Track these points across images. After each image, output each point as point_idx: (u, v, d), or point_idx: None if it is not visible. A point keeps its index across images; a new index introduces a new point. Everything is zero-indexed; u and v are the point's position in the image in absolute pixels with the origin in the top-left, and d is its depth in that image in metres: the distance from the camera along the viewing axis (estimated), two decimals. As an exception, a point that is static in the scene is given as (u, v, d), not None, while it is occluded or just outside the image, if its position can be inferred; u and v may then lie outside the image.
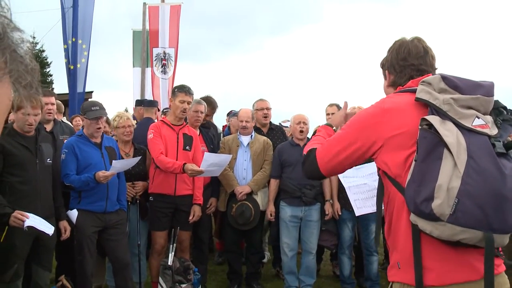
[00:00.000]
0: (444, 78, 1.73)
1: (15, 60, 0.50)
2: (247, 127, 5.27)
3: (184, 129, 4.76)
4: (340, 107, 5.71)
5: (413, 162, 1.66)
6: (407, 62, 1.97)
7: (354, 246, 5.50)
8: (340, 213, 5.12)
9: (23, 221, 3.40)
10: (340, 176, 4.35)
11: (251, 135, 5.34)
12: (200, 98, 5.34)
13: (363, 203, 4.53)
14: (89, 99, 4.50)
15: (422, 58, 1.97)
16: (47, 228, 3.59)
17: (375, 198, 3.59)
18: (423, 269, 1.69)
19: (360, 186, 4.54)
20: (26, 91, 0.53)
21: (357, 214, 4.64)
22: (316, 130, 2.54)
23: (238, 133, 5.36)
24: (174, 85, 5.17)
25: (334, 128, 2.39)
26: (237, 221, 5.09)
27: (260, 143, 5.32)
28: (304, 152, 2.13)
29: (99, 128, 4.26)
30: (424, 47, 1.98)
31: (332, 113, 5.79)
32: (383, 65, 2.10)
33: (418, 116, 1.72)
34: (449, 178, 1.55)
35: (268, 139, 5.47)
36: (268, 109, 5.78)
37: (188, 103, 4.70)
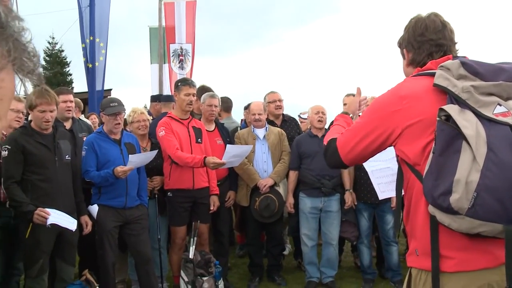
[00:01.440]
0: (464, 63, 1.66)
1: (17, 48, 0.51)
2: (260, 120, 5.27)
3: (192, 122, 4.78)
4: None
5: (431, 154, 1.62)
6: (425, 37, 1.90)
7: (375, 236, 5.47)
8: (355, 203, 5.10)
9: (46, 218, 3.48)
10: None
11: (266, 128, 5.34)
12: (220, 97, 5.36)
13: (386, 186, 4.46)
14: (108, 96, 4.54)
15: (441, 32, 1.90)
16: (70, 223, 3.66)
17: None
18: (440, 257, 1.68)
19: (383, 170, 4.47)
20: (29, 78, 0.54)
21: (380, 197, 4.57)
22: (333, 120, 2.52)
23: (252, 127, 5.36)
24: (176, 80, 5.18)
25: (351, 115, 2.37)
26: (262, 214, 5.09)
27: (275, 134, 5.32)
28: (325, 142, 2.11)
29: (118, 123, 4.30)
30: (441, 21, 1.91)
31: (345, 104, 5.79)
32: (400, 44, 2.04)
33: (436, 103, 1.67)
34: (467, 172, 1.51)
35: (282, 130, 5.46)
36: (280, 100, 5.76)
37: (193, 95, 4.72)
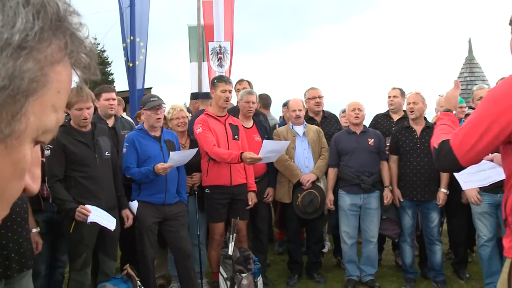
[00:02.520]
0: None
1: (74, 42, 0.52)
2: (300, 116, 5.24)
3: (229, 119, 4.80)
4: (403, 92, 5.60)
5: None
6: None
7: (417, 235, 5.35)
8: (401, 200, 4.99)
9: (87, 216, 3.57)
10: None
11: (304, 124, 5.31)
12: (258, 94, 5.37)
13: (469, 177, 4.30)
14: (147, 94, 4.61)
15: None
16: (109, 222, 3.73)
17: (481, 173, 3.37)
18: None
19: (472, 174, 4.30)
20: (85, 73, 0.55)
21: (464, 188, 4.32)
22: (436, 119, 2.35)
23: (290, 124, 5.32)
24: (213, 77, 5.19)
25: (454, 112, 2.25)
26: (306, 210, 5.06)
27: (313, 131, 5.28)
28: (434, 145, 2.00)
29: (159, 118, 4.34)
30: None
31: (394, 96, 5.66)
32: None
33: None
34: None
35: (319, 127, 5.42)
36: (320, 97, 5.71)
37: (230, 91, 4.73)
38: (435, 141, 1.98)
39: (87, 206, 3.62)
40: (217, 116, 4.73)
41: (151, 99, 4.34)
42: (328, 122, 5.79)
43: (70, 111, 3.79)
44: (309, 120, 5.66)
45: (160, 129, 4.46)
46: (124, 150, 4.30)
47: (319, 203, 5.06)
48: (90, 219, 3.60)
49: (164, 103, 4.49)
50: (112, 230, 3.91)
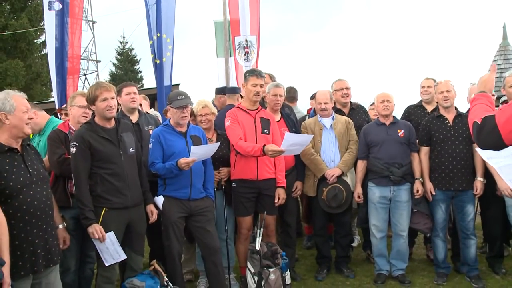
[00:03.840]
0: None
1: None
2: (326, 109, 5.15)
3: (261, 112, 4.75)
4: (436, 81, 5.46)
5: None
6: None
7: (449, 228, 5.21)
8: (433, 193, 4.86)
9: (97, 238, 3.63)
10: (485, 157, 3.86)
11: (332, 116, 5.22)
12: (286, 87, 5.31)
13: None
14: (175, 90, 4.59)
15: None
16: (111, 257, 3.73)
17: None
18: None
19: (510, 166, 4.11)
20: None
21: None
22: (472, 100, 2.33)
23: (318, 116, 5.25)
24: (245, 71, 5.15)
25: (490, 94, 2.23)
26: (330, 205, 5.00)
27: (342, 123, 5.19)
28: (476, 120, 1.97)
29: (185, 116, 4.34)
30: None
31: (428, 86, 5.54)
32: None
33: None
34: None
35: (349, 118, 5.32)
36: (348, 88, 5.61)
37: (261, 85, 4.68)
38: (476, 117, 1.94)
39: (106, 234, 3.66)
40: (248, 110, 4.70)
41: (178, 97, 4.32)
42: (356, 113, 5.69)
43: (95, 106, 3.82)
44: (337, 111, 5.57)
45: (187, 125, 4.45)
46: (150, 145, 4.31)
47: (345, 198, 4.98)
48: (96, 243, 3.65)
49: (191, 102, 4.48)
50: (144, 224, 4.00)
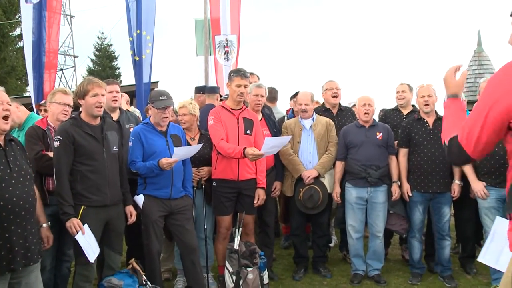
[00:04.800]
0: None
1: None
2: (306, 110, 5.20)
3: (244, 113, 4.76)
4: (411, 87, 5.56)
5: None
6: None
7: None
8: (410, 195, 4.96)
9: (77, 232, 3.58)
10: (492, 264, 3.73)
11: (313, 118, 5.27)
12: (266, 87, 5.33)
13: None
14: (156, 89, 4.55)
15: None
16: (92, 252, 3.70)
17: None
18: None
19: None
20: None
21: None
22: (443, 106, 2.27)
23: (299, 117, 5.29)
24: (230, 70, 5.15)
25: (459, 97, 2.16)
26: (306, 205, 5.05)
27: (322, 124, 5.24)
28: (443, 139, 1.98)
29: (166, 117, 4.33)
30: None
31: (403, 91, 5.63)
32: None
33: None
34: None
35: (330, 120, 5.37)
36: (338, 89, 5.65)
37: (245, 86, 4.69)
38: (445, 137, 1.96)
39: (84, 226, 3.63)
40: (231, 109, 4.71)
41: (161, 98, 4.30)
42: (344, 115, 5.74)
43: (84, 100, 3.80)
44: (325, 111, 5.65)
45: (167, 124, 4.44)
46: (130, 144, 4.29)
47: (321, 199, 5.04)
48: (79, 239, 3.61)
49: (173, 103, 4.46)
50: (122, 225, 4.01)
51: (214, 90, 6.28)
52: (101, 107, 3.82)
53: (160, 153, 4.23)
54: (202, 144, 4.55)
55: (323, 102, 5.87)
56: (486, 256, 3.51)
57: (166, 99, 4.31)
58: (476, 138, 1.78)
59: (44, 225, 3.42)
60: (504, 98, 1.68)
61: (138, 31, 9.75)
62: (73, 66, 38.54)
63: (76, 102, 3.97)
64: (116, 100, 4.76)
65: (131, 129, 4.67)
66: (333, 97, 5.63)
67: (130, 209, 4.16)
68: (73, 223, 3.59)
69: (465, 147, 1.83)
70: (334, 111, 5.70)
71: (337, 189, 5.14)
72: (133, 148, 4.27)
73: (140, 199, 4.26)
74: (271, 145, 4.35)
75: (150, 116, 4.45)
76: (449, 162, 1.99)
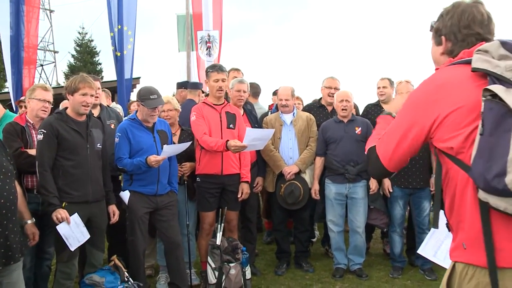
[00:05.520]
0: (504, 43, 1.58)
1: None
2: (287, 105, 5.22)
3: (226, 107, 4.76)
4: (392, 81, 5.59)
5: (478, 137, 1.53)
6: (472, 31, 1.78)
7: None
8: (391, 191, 5.01)
9: (61, 222, 3.57)
10: (430, 256, 3.83)
11: (293, 113, 5.29)
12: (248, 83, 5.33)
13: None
14: (145, 86, 4.48)
15: (487, 26, 1.78)
16: (76, 240, 3.69)
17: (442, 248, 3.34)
18: (494, 249, 1.57)
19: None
20: None
21: (434, 228, 4.10)
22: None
23: (280, 112, 5.31)
24: (207, 67, 5.15)
25: (393, 115, 2.20)
26: (287, 201, 5.08)
27: (303, 119, 5.26)
28: (366, 151, 2.01)
29: (155, 115, 4.31)
30: (487, 13, 1.79)
31: (384, 86, 5.65)
32: (438, 30, 1.89)
33: (476, 89, 1.58)
34: None
35: (311, 115, 5.39)
36: (337, 88, 5.64)
37: (223, 80, 4.69)
38: (366, 147, 2.00)
39: (70, 217, 3.61)
40: (213, 105, 4.70)
41: (151, 97, 4.23)
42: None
43: (72, 97, 3.78)
44: (320, 107, 5.68)
45: None
46: (117, 140, 4.26)
47: (302, 195, 5.07)
48: (60, 229, 3.59)
49: (163, 102, 4.42)
50: (102, 220, 3.99)
51: (196, 86, 6.26)
52: (87, 107, 3.82)
53: (147, 149, 4.21)
54: (190, 142, 4.54)
55: (320, 98, 5.88)
56: (426, 249, 3.71)
57: (156, 99, 4.26)
58: (392, 151, 1.82)
59: (29, 221, 3.39)
60: (422, 120, 1.72)
61: (119, 27, 9.66)
62: (53, 62, 38.07)
63: (64, 95, 3.93)
64: (97, 97, 4.72)
65: (112, 126, 4.64)
66: (330, 96, 5.64)
67: (113, 208, 4.14)
68: (60, 213, 3.57)
69: (381, 158, 1.86)
70: (329, 108, 5.71)
71: (316, 186, 5.17)
72: (119, 144, 4.23)
73: (126, 195, 4.25)
74: (252, 136, 4.35)
75: (136, 111, 4.41)
76: (369, 172, 2.03)
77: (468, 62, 1.64)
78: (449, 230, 1.84)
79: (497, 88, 1.49)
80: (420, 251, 3.49)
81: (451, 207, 1.75)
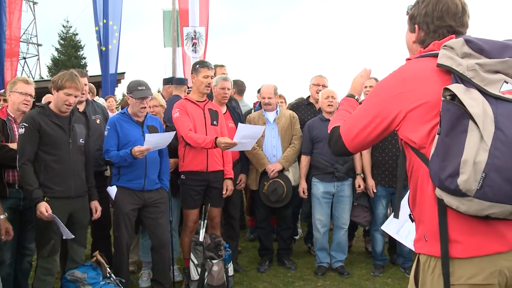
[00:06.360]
0: (468, 41, 1.59)
1: None
2: (270, 103, 5.24)
3: (209, 104, 4.76)
4: (378, 80, 5.64)
5: (436, 135, 1.56)
6: (444, 23, 1.80)
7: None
8: (375, 190, 5.06)
9: (45, 215, 3.52)
10: (393, 233, 3.96)
11: (276, 111, 5.31)
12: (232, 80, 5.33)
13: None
14: (134, 79, 4.47)
15: (460, 18, 1.80)
16: (66, 231, 3.67)
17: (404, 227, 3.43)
18: (450, 242, 1.62)
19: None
20: None
21: (394, 217, 4.25)
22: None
23: (263, 110, 5.32)
24: (194, 62, 5.14)
25: (356, 97, 2.27)
26: (270, 199, 5.10)
27: (286, 117, 5.28)
28: (328, 130, 2.05)
29: (144, 107, 4.30)
30: (462, 3, 1.80)
31: (371, 86, 5.69)
32: (413, 17, 1.90)
33: (440, 84, 1.60)
34: (475, 152, 1.45)
35: (294, 113, 5.42)
36: (325, 86, 5.67)
37: (212, 77, 4.70)
38: (329, 127, 2.03)
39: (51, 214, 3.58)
40: (196, 101, 4.69)
41: (139, 88, 4.25)
42: None
43: (57, 93, 3.74)
44: (308, 105, 5.71)
45: (144, 115, 4.41)
46: (106, 132, 4.26)
47: (285, 193, 5.09)
48: (54, 217, 3.56)
49: (152, 94, 4.42)
50: (84, 215, 3.95)
51: (182, 82, 6.23)
52: (69, 106, 3.78)
53: (134, 142, 4.18)
54: (175, 132, 4.50)
55: (308, 96, 5.90)
56: (389, 226, 3.84)
57: (145, 89, 4.27)
58: (355, 135, 1.87)
59: (1, 216, 3.35)
60: (386, 112, 1.77)
61: (105, 21, 9.61)
62: (36, 55, 37.61)
63: (49, 88, 3.89)
64: (83, 93, 4.69)
65: (98, 121, 4.62)
66: (318, 93, 5.65)
67: (95, 204, 4.11)
68: (42, 207, 3.52)
69: (343, 137, 1.91)
70: (317, 106, 5.73)
71: (303, 185, 5.18)
72: (108, 137, 4.23)
73: (112, 190, 4.22)
74: (244, 133, 4.35)
75: (128, 106, 4.40)
76: (330, 151, 2.08)
77: (437, 55, 1.66)
78: (412, 221, 1.88)
79: (457, 88, 1.51)
80: (384, 227, 3.58)
81: (414, 199, 1.80)
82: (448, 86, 1.53)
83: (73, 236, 3.70)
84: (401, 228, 3.73)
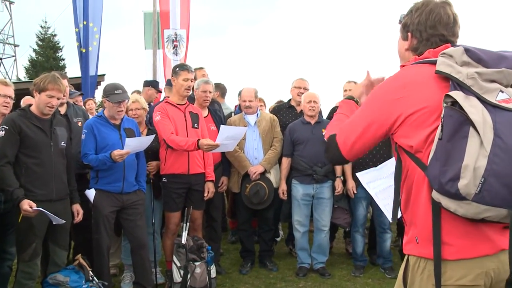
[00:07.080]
0: (467, 50, 1.64)
1: None
2: (250, 107, 5.29)
3: (189, 107, 4.79)
4: (357, 84, 5.72)
5: (436, 140, 1.60)
6: (436, 32, 1.85)
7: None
8: (355, 192, 5.13)
9: (31, 209, 3.50)
10: (364, 183, 4.10)
11: (257, 114, 5.36)
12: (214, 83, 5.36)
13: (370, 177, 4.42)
14: (110, 82, 4.48)
15: (451, 28, 1.85)
16: (57, 219, 3.66)
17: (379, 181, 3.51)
18: (442, 244, 1.67)
19: (387, 190, 4.17)
20: None
21: (391, 220, 4.44)
22: (337, 106, 2.38)
23: (244, 113, 5.37)
24: (174, 65, 5.15)
25: (355, 99, 2.27)
26: (252, 201, 5.13)
27: (266, 120, 5.33)
28: (325, 138, 2.04)
29: (121, 111, 4.31)
30: (453, 14, 1.86)
31: (350, 89, 5.75)
32: (406, 25, 1.94)
33: (438, 91, 1.65)
34: (475, 157, 1.50)
35: (274, 116, 5.48)
36: (306, 89, 5.71)
37: (192, 80, 4.72)
38: (327, 133, 2.04)
39: (34, 205, 3.56)
40: (177, 104, 4.71)
41: (116, 91, 4.26)
42: None
43: (39, 95, 3.73)
44: (290, 108, 5.76)
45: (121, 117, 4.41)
46: (83, 136, 4.25)
47: (267, 195, 5.14)
48: (41, 208, 3.53)
49: (128, 97, 4.43)
50: (62, 223, 3.87)
51: (154, 84, 6.25)
52: (52, 108, 3.77)
53: (112, 145, 4.19)
54: (154, 135, 4.52)
55: (289, 99, 5.95)
56: (365, 176, 3.95)
57: (121, 93, 4.29)
58: (353, 141, 1.89)
59: None
60: (384, 117, 1.79)
61: (85, 22, 9.54)
62: (13, 56, 37.02)
63: (31, 91, 3.87)
64: (65, 96, 4.66)
65: (80, 124, 4.60)
66: (299, 95, 5.69)
67: (77, 207, 4.10)
68: (26, 204, 3.50)
69: (340, 146, 1.92)
70: (299, 109, 5.76)
71: (283, 186, 5.23)
72: (85, 140, 4.22)
73: (91, 193, 4.22)
74: (226, 134, 4.38)
75: (104, 109, 4.39)
76: (326, 158, 2.10)
77: (433, 63, 1.70)
78: (403, 225, 1.93)
79: (457, 95, 1.56)
80: (359, 175, 3.70)
81: (407, 202, 1.83)
82: (449, 93, 1.58)
83: (64, 221, 3.70)
84: (373, 182, 3.83)
